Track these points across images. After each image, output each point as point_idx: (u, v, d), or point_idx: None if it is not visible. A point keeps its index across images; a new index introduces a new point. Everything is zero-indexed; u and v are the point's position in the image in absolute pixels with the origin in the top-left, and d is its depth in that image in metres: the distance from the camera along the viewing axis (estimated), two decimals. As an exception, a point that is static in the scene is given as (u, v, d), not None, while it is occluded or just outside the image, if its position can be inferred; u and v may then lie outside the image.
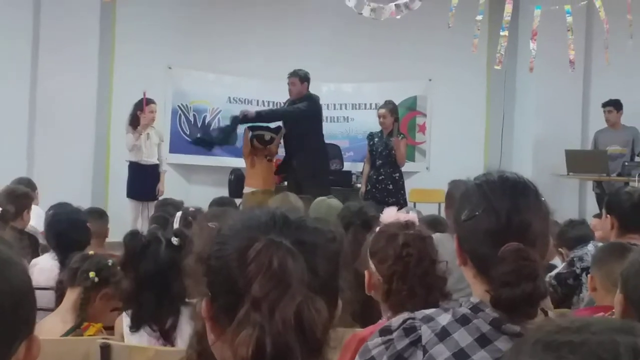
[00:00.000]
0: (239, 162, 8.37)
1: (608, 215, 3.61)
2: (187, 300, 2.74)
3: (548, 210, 1.61)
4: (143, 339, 2.66)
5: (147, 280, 2.67)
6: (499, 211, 1.53)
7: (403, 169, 7.93)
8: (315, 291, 1.05)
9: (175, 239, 2.71)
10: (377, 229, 2.31)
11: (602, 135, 8.19)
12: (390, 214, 2.33)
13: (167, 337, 2.67)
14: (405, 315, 1.57)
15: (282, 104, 8.17)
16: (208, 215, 3.14)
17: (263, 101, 9.84)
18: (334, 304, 1.13)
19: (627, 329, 0.78)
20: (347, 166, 9.32)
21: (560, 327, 0.81)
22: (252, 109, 7.58)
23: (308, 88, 7.81)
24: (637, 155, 8.01)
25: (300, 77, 7.74)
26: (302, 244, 1.08)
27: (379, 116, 7.78)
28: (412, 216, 2.33)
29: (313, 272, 1.06)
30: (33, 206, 5.03)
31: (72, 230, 3.54)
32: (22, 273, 1.11)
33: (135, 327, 2.66)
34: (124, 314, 2.71)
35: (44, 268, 3.43)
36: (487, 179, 1.63)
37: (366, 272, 2.25)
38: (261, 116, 7.68)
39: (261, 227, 1.11)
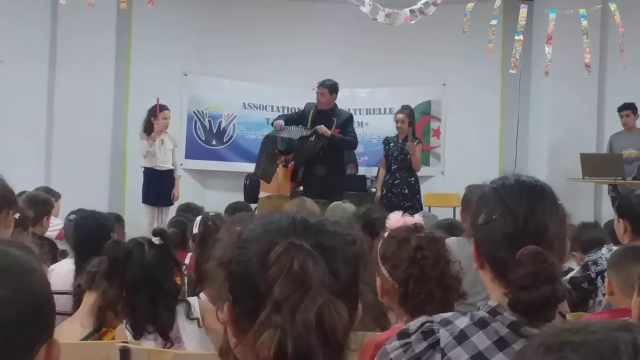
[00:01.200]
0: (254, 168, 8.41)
1: (620, 219, 3.61)
2: (181, 298, 2.79)
3: (565, 213, 1.61)
4: (151, 344, 2.68)
5: (137, 285, 2.68)
6: (516, 215, 1.54)
7: (418, 174, 7.92)
8: (336, 294, 1.05)
9: (156, 238, 2.73)
10: (385, 234, 2.29)
11: (617, 138, 8.14)
12: (396, 219, 2.31)
13: (166, 336, 2.69)
14: (423, 318, 1.57)
15: (299, 110, 8.17)
16: (235, 220, 3.16)
17: (278, 107, 9.87)
18: (354, 307, 1.13)
19: (625, 327, 0.80)
20: (361, 170, 9.33)
21: (561, 329, 0.83)
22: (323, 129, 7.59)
23: (336, 98, 7.88)
24: None
25: (330, 88, 7.80)
26: (323, 247, 1.09)
27: (397, 121, 7.79)
28: (419, 219, 2.33)
29: (334, 275, 1.07)
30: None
31: (94, 236, 3.54)
32: (42, 279, 1.13)
33: (137, 333, 2.68)
34: (123, 326, 2.71)
35: (61, 273, 3.43)
36: (504, 183, 1.63)
37: (378, 278, 2.24)
38: (334, 138, 7.68)
39: (282, 231, 1.12)
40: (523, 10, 5.75)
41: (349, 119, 8.02)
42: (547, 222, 1.54)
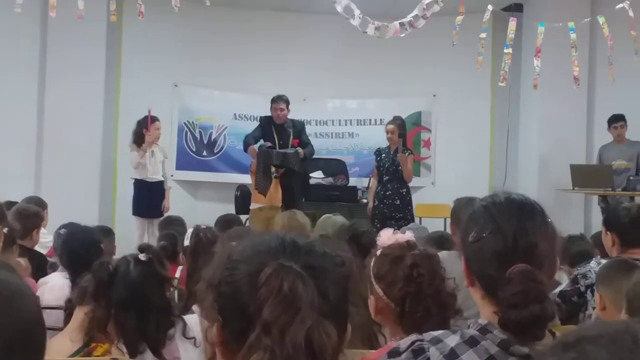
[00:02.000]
0: (245, 179, 8.41)
1: (608, 232, 3.62)
2: (177, 315, 2.77)
3: (555, 231, 1.61)
4: None
5: (124, 303, 2.65)
6: (506, 233, 1.54)
7: (409, 184, 7.93)
8: (325, 315, 1.05)
9: (142, 254, 2.72)
10: (378, 252, 2.26)
11: (606, 149, 8.18)
12: (387, 236, 2.28)
13: (159, 354, 2.66)
14: (413, 337, 1.57)
15: (256, 125, 8.32)
16: (232, 234, 3.15)
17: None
18: (343, 328, 1.13)
19: (636, 320, 0.82)
20: (352, 181, 9.34)
21: (576, 329, 0.85)
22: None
23: None
24: None
25: (287, 103, 7.98)
26: (312, 268, 1.09)
27: (387, 131, 7.81)
28: (410, 235, 2.30)
29: (323, 296, 1.07)
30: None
31: (86, 250, 3.53)
32: (32, 304, 1.12)
33: (131, 353, 2.64)
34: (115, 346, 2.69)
35: (54, 287, 3.43)
36: (494, 201, 1.63)
37: (371, 297, 2.22)
38: (306, 156, 7.97)
39: (271, 252, 1.12)
40: (512, 24, 5.78)
41: (303, 127, 8.26)
42: (537, 240, 1.54)
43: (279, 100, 7.95)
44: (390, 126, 7.81)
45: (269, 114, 8.08)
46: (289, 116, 8.08)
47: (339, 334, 1.09)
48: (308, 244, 1.16)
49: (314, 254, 1.14)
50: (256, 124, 9.74)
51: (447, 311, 2.13)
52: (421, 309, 2.10)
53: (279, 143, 7.81)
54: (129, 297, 2.64)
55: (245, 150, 8.01)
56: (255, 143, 7.87)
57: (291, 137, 7.89)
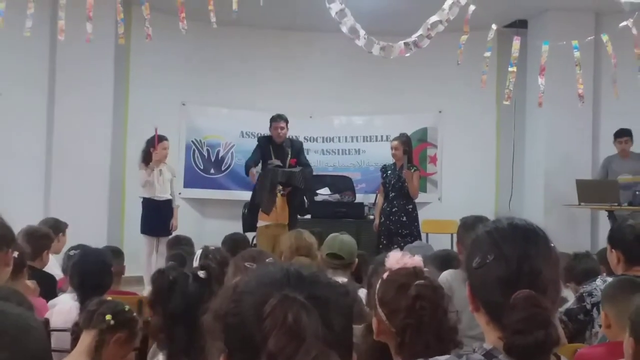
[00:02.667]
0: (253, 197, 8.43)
1: (613, 250, 3.61)
2: None
3: (558, 256, 1.62)
4: None
5: (177, 316, 2.67)
6: (510, 258, 1.55)
7: (415, 200, 7.95)
8: (330, 345, 1.06)
9: (202, 272, 2.74)
10: (385, 275, 2.26)
11: (612, 162, 8.19)
12: (395, 259, 2.26)
13: None
14: (419, 362, 1.60)
15: (255, 147, 8.35)
16: (245, 255, 3.16)
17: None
18: (348, 358, 1.15)
19: None
20: (359, 198, 9.36)
21: None
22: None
23: None
24: None
25: (287, 122, 8.06)
26: (316, 298, 1.10)
27: (392, 147, 7.85)
28: (418, 260, 2.28)
29: (327, 327, 1.08)
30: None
31: (97, 273, 3.57)
32: (40, 337, 1.14)
33: None
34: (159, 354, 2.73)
35: (63, 310, 3.45)
36: (497, 226, 1.64)
37: (374, 319, 2.22)
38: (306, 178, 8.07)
39: (276, 283, 1.14)
40: (516, 43, 5.80)
41: (302, 147, 8.36)
42: (541, 266, 1.55)
43: (279, 119, 8.00)
44: (395, 142, 7.84)
45: (268, 133, 8.15)
46: (288, 134, 8.14)
47: None
48: (312, 274, 1.18)
49: (318, 285, 1.15)
50: (262, 142, 9.79)
51: (447, 345, 2.10)
52: (421, 342, 2.08)
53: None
54: (182, 310, 2.68)
55: (247, 174, 8.04)
56: (256, 166, 7.91)
57: (289, 156, 7.93)
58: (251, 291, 1.14)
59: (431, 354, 2.05)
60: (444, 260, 4.01)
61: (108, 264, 3.68)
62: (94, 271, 3.57)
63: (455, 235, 4.95)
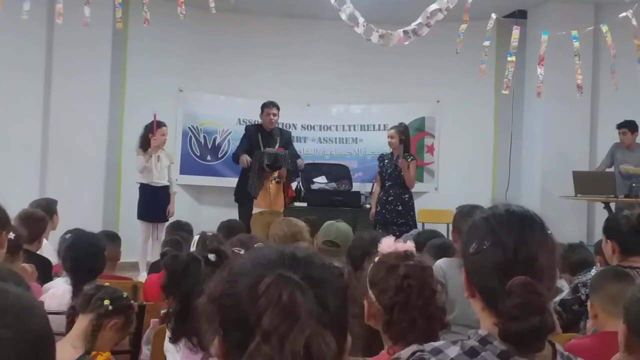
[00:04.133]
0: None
1: (608, 241, 3.61)
2: None
3: (555, 243, 1.62)
4: (181, 354, 2.71)
5: (192, 298, 2.69)
6: (506, 245, 1.55)
7: (412, 190, 7.94)
8: (324, 325, 1.07)
9: (212, 255, 2.76)
10: (376, 259, 2.30)
11: (618, 149, 8.21)
12: (388, 244, 2.31)
13: (206, 349, 2.72)
14: (414, 347, 1.59)
15: (243, 135, 8.39)
16: (234, 241, 3.17)
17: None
18: (343, 338, 1.15)
19: None
20: (355, 187, 9.36)
21: None
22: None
23: None
24: None
25: (278, 108, 8.11)
26: (311, 278, 1.11)
27: (388, 136, 7.83)
28: (410, 245, 2.32)
29: (322, 306, 1.09)
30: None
31: (89, 257, 3.57)
32: (42, 316, 1.14)
33: (174, 338, 2.71)
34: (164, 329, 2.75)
35: (57, 293, 3.44)
36: (494, 213, 1.64)
37: (365, 302, 2.26)
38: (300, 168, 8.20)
39: (270, 264, 1.14)
40: (515, 32, 5.78)
41: (290, 138, 8.41)
42: (537, 253, 1.55)
43: (271, 106, 8.03)
44: (391, 131, 7.82)
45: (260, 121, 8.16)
46: (284, 122, 8.19)
47: (339, 344, 1.10)
48: (306, 255, 1.18)
49: (313, 265, 1.16)
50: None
51: (434, 324, 2.14)
52: (407, 319, 2.12)
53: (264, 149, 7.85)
54: (195, 292, 2.70)
55: (237, 162, 8.05)
56: (245, 152, 7.94)
57: (277, 144, 7.93)
58: (246, 272, 1.15)
59: (417, 331, 2.07)
60: (440, 249, 4.01)
61: (101, 248, 3.68)
62: (86, 254, 3.58)
63: (451, 226, 4.96)
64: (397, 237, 6.45)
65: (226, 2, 5.89)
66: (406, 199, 7.79)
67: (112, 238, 4.66)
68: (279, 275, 1.08)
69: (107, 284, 3.12)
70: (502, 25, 7.64)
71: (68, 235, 3.82)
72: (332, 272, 1.18)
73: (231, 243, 3.12)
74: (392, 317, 2.15)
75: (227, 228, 5.00)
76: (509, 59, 5.81)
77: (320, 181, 9.10)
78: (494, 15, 5.84)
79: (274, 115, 8.00)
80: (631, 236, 3.50)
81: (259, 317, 1.05)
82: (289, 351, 1.03)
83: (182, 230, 5.25)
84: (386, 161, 7.87)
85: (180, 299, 2.71)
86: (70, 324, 2.94)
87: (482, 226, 1.62)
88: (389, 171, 7.78)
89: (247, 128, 8.40)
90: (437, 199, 9.75)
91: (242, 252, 2.88)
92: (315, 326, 1.05)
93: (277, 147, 7.88)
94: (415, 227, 7.75)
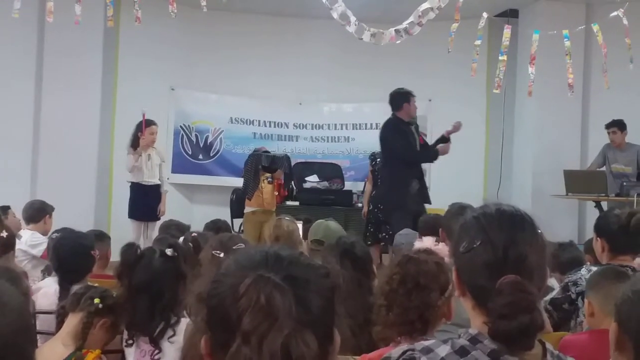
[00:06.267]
0: (241, 182, 8.41)
1: (598, 238, 3.63)
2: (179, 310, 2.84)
3: (545, 242, 1.62)
4: (138, 354, 2.75)
5: (140, 289, 2.78)
6: (496, 244, 1.56)
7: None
8: (305, 325, 1.07)
9: (169, 249, 2.80)
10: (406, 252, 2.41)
11: (609, 151, 8.23)
12: (426, 243, 2.43)
13: (155, 343, 2.78)
14: (404, 346, 1.59)
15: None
16: (213, 243, 3.17)
17: (265, 121, 9.92)
18: (328, 339, 1.14)
19: None
20: (348, 185, 9.37)
21: None
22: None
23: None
24: None
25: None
26: (293, 278, 1.11)
27: None
28: (441, 248, 2.40)
29: (304, 307, 1.09)
30: (29, 232, 5.10)
31: (74, 256, 3.55)
32: (12, 317, 1.13)
33: (130, 337, 2.80)
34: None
35: (48, 292, 3.43)
36: (485, 212, 1.64)
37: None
38: None
39: (253, 264, 1.14)
40: (507, 31, 5.79)
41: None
42: (527, 252, 1.55)
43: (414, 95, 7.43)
44: None
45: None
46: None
47: (323, 345, 1.10)
48: (291, 255, 1.18)
49: (297, 265, 1.16)
50: (252, 127, 9.75)
51: (408, 315, 2.20)
52: (386, 304, 2.22)
53: None
54: (146, 283, 2.76)
55: (435, 157, 7.58)
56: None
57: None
58: (229, 273, 1.15)
59: (391, 319, 2.12)
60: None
61: (87, 247, 3.65)
62: (71, 254, 3.56)
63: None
64: (390, 235, 6.48)
65: (218, 1, 5.87)
66: (398, 198, 7.78)
67: (101, 237, 4.64)
68: (259, 276, 1.09)
69: (96, 284, 3.13)
70: (493, 24, 7.65)
71: (55, 235, 3.81)
72: (317, 272, 1.17)
73: (210, 246, 3.13)
74: (389, 304, 2.23)
75: (213, 228, 5.00)
76: (500, 58, 5.81)
77: (312, 180, 9.11)
78: (485, 15, 5.84)
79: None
80: (620, 235, 3.52)
81: (239, 317, 1.06)
82: (267, 351, 1.03)
83: (171, 229, 5.22)
84: (378, 160, 7.85)
85: (129, 288, 2.79)
86: (60, 323, 2.94)
87: (473, 225, 1.63)
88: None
89: (395, 124, 7.36)
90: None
91: (222, 254, 2.91)
92: (295, 326, 1.05)
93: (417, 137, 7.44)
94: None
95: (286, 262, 1.15)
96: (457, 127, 7.45)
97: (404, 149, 7.16)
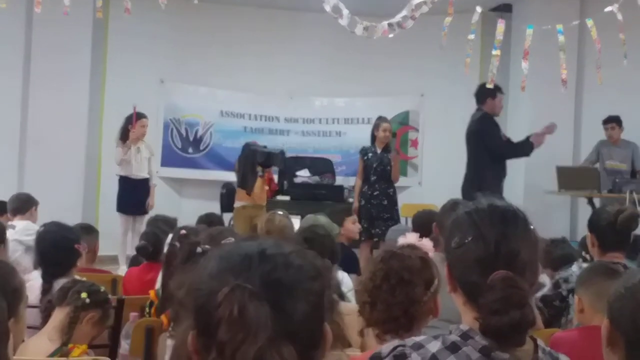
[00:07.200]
0: (231, 176, 8.38)
1: (590, 233, 3.66)
2: None
3: (537, 238, 1.62)
4: None
5: None
6: (488, 239, 1.55)
7: (395, 184, 7.93)
8: (284, 335, 1.05)
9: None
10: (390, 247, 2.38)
11: (604, 146, 8.24)
12: (409, 239, 2.40)
13: None
14: (395, 342, 1.58)
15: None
16: (204, 237, 3.12)
17: (255, 115, 9.89)
18: (312, 345, 1.12)
19: None
20: (339, 180, 9.36)
21: None
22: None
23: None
24: (637, 173, 8.04)
25: None
26: (276, 285, 1.09)
27: (385, 130, 7.77)
28: (426, 244, 2.37)
29: (283, 317, 1.06)
30: (23, 222, 5.05)
31: (57, 250, 3.52)
32: None
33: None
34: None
35: (35, 286, 3.40)
36: (477, 207, 1.64)
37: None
38: None
39: (235, 268, 1.11)
40: (500, 26, 5.75)
41: None
42: (519, 248, 1.55)
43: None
44: (387, 124, 7.82)
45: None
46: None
47: (306, 352, 1.08)
48: (279, 256, 1.14)
49: (284, 267, 1.12)
50: (243, 121, 9.71)
51: (392, 311, 2.17)
52: (370, 301, 2.21)
53: None
54: None
55: (531, 149, 7.24)
56: None
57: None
58: (211, 276, 1.12)
59: (375, 315, 2.12)
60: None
61: (70, 240, 3.61)
62: (54, 247, 3.54)
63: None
64: (384, 231, 6.49)
65: (209, -8, 5.83)
66: (391, 193, 7.81)
67: (89, 230, 4.61)
68: (235, 286, 1.06)
69: (84, 278, 3.10)
70: (487, 18, 7.62)
71: (41, 229, 3.78)
72: (306, 274, 1.13)
73: (201, 239, 3.07)
74: (373, 301, 2.21)
75: (206, 222, 4.95)
76: (493, 52, 5.78)
77: (303, 174, 9.09)
78: (479, 9, 5.80)
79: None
80: (608, 232, 3.56)
81: (216, 327, 1.05)
82: None
83: (158, 223, 5.16)
84: (370, 155, 7.83)
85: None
86: (46, 317, 2.93)
87: (465, 221, 1.63)
88: (374, 165, 7.76)
89: (486, 118, 7.13)
90: (421, 193, 9.76)
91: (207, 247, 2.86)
92: (270, 338, 1.03)
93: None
94: (399, 221, 7.74)
95: (271, 264, 1.11)
96: (550, 129, 7.15)
97: (500, 142, 6.96)
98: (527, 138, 7.22)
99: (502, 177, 7.02)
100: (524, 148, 7.21)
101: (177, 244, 3.14)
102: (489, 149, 6.94)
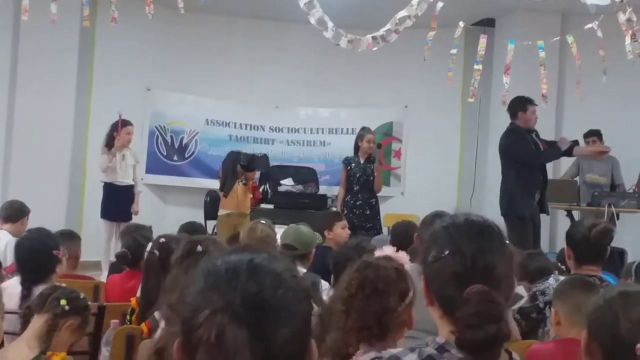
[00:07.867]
0: (215, 184, 8.39)
1: (567, 245, 3.70)
2: None
3: (512, 253, 1.63)
4: None
5: None
6: (465, 253, 1.56)
7: (378, 194, 7.97)
8: (265, 358, 1.03)
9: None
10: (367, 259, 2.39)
11: (583, 161, 8.29)
12: (386, 251, 2.44)
13: None
14: (372, 354, 1.61)
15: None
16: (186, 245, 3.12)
17: (241, 124, 9.90)
18: None
19: None
20: (322, 190, 9.38)
21: None
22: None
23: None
24: (617, 187, 8.11)
25: None
26: (261, 308, 1.06)
27: (370, 141, 7.80)
28: (402, 256, 2.40)
29: (264, 342, 1.04)
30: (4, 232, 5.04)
31: (35, 256, 3.49)
32: None
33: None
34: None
35: (14, 292, 3.39)
36: (454, 222, 1.66)
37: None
38: None
39: (221, 287, 1.08)
40: (482, 41, 5.83)
41: None
42: (495, 262, 1.56)
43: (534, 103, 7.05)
44: (371, 135, 7.83)
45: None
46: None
47: None
48: (270, 273, 1.11)
49: (273, 287, 1.09)
50: (228, 130, 9.73)
51: (365, 320, 2.19)
52: (345, 309, 2.22)
53: None
54: None
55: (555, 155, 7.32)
56: None
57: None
58: (197, 291, 1.10)
59: (349, 324, 2.16)
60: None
61: (48, 247, 3.56)
62: (31, 254, 3.50)
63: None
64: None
65: (195, 2, 5.84)
66: (373, 203, 7.82)
67: (70, 237, 4.57)
68: (215, 310, 1.04)
69: (63, 284, 3.09)
70: (470, 33, 7.70)
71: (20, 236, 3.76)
72: (295, 296, 1.10)
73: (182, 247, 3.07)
74: (348, 309, 2.23)
75: (188, 231, 4.93)
76: (475, 67, 5.85)
77: (287, 183, 9.11)
78: (461, 24, 5.88)
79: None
80: (583, 245, 3.61)
81: (196, 347, 1.04)
82: None
83: (134, 232, 5.12)
84: (353, 165, 7.85)
85: None
86: (25, 323, 2.91)
87: (442, 234, 1.64)
88: (357, 175, 7.77)
89: (514, 131, 7.05)
90: (403, 204, 9.79)
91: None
92: None
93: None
94: (381, 231, 7.77)
95: (258, 285, 1.08)
96: (561, 143, 7.16)
97: (528, 153, 6.93)
98: (554, 143, 7.26)
99: (533, 191, 6.97)
100: (554, 152, 7.22)
101: (157, 252, 3.14)
102: (520, 162, 6.95)
